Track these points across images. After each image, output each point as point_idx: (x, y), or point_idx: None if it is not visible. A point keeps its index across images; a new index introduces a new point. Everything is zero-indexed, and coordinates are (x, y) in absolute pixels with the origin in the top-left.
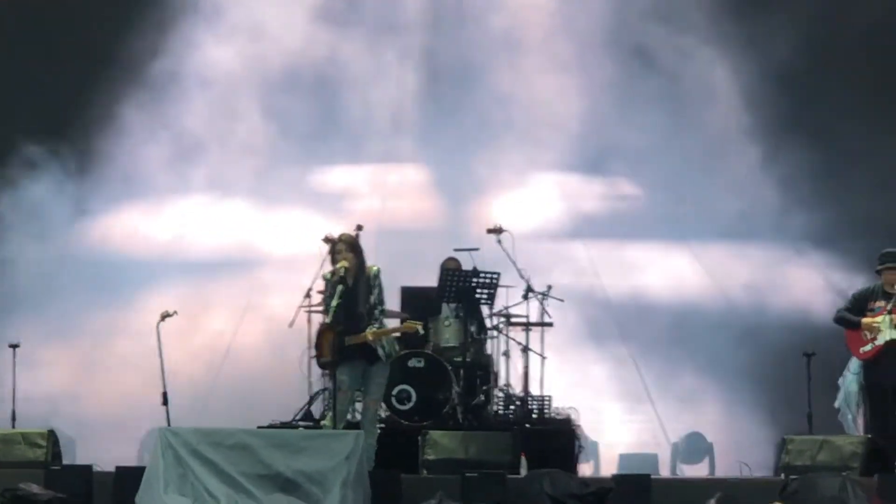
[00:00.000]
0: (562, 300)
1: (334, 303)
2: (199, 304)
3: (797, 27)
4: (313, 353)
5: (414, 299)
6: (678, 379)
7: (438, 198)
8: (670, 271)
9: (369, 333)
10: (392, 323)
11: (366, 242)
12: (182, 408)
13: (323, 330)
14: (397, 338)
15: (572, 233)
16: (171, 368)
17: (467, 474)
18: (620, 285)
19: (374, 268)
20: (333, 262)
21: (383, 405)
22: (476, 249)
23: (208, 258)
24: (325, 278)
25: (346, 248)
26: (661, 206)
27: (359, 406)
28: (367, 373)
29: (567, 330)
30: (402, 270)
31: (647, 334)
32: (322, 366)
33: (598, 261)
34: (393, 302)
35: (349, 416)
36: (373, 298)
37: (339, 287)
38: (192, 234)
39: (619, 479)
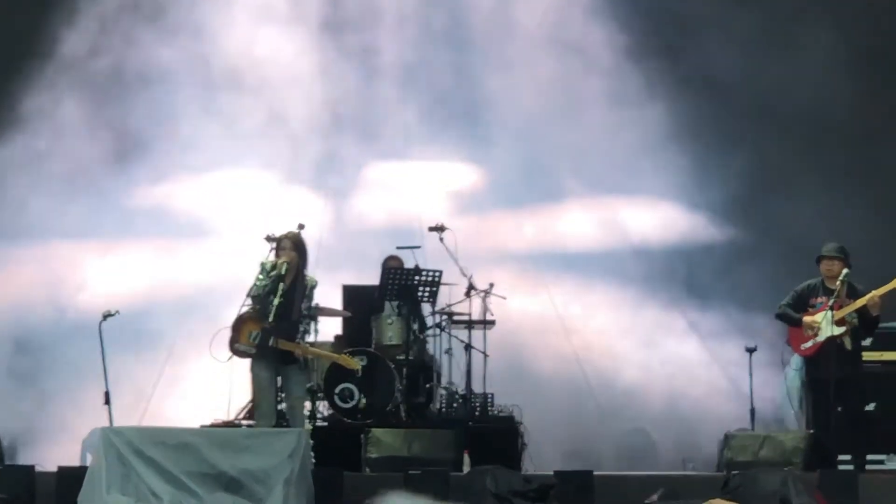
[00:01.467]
0: (504, 298)
1: (276, 301)
2: (141, 304)
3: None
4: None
5: (356, 297)
6: (621, 374)
7: (380, 196)
8: (612, 268)
9: (304, 348)
10: (324, 347)
11: (307, 240)
12: (125, 407)
13: (247, 318)
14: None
15: (515, 232)
16: (113, 368)
17: (410, 472)
18: (563, 282)
19: (313, 279)
20: (277, 256)
21: (326, 403)
22: (418, 247)
23: (150, 257)
24: (262, 266)
25: (290, 245)
26: (604, 203)
27: (281, 406)
28: (284, 372)
29: (509, 327)
30: (343, 268)
31: (590, 330)
32: (234, 351)
33: (540, 259)
34: (335, 300)
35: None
36: (304, 307)
37: (281, 285)
38: (135, 231)
39: (561, 476)
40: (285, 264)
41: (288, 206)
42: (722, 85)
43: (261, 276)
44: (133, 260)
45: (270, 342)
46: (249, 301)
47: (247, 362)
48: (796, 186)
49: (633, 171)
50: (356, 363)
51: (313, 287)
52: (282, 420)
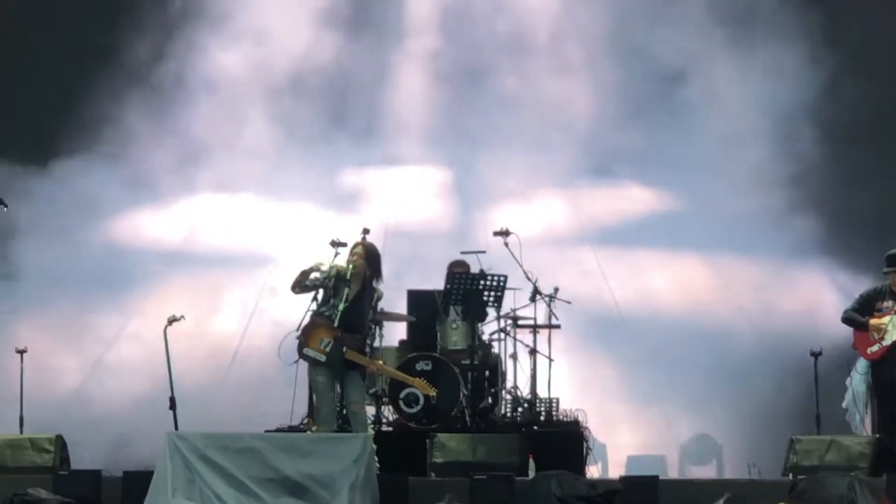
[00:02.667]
0: (569, 302)
1: (341, 306)
2: (207, 308)
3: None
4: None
5: (420, 302)
6: (687, 380)
7: (445, 201)
8: (678, 273)
9: (378, 365)
10: (389, 353)
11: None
12: (190, 412)
13: (319, 324)
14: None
15: (580, 236)
16: (178, 373)
17: (475, 476)
18: (628, 288)
19: (380, 291)
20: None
21: (391, 408)
22: (483, 252)
23: (215, 262)
24: (318, 268)
25: (362, 253)
26: (668, 209)
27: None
28: (343, 377)
29: (575, 332)
30: (408, 273)
31: (655, 336)
32: (303, 356)
33: (605, 264)
34: (399, 305)
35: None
36: (369, 318)
37: (346, 290)
38: (199, 237)
39: (626, 481)
40: (350, 269)
41: (352, 211)
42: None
43: (317, 274)
44: (196, 267)
45: (343, 352)
46: (314, 305)
47: None
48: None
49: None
50: (432, 389)
51: (379, 298)
52: (344, 425)
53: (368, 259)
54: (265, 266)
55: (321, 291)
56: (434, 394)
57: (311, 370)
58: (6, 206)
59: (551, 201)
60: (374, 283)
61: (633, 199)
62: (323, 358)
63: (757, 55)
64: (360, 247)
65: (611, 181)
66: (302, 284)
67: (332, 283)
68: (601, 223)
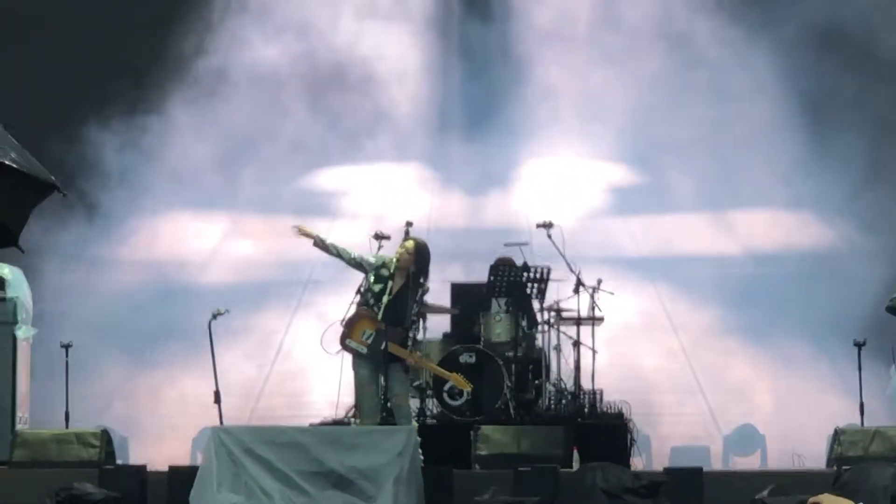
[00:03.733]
0: (612, 293)
1: (385, 299)
2: (251, 303)
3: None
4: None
5: (464, 295)
6: (729, 370)
7: (487, 193)
8: (721, 264)
9: (416, 358)
10: (433, 346)
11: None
12: (234, 407)
13: (363, 316)
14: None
15: (622, 228)
16: (223, 367)
17: (520, 469)
18: (671, 278)
19: (427, 287)
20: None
21: (435, 401)
22: (525, 244)
23: (259, 256)
24: (364, 261)
25: (412, 248)
26: (710, 199)
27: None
28: (386, 370)
29: (618, 324)
30: (452, 266)
31: (698, 327)
32: (345, 347)
33: (647, 254)
34: (443, 297)
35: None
36: (413, 312)
37: (389, 283)
38: (243, 231)
39: (671, 472)
40: (394, 261)
41: (395, 204)
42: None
43: (372, 277)
44: (240, 260)
45: (384, 346)
46: (358, 297)
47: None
48: None
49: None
50: (468, 384)
51: (424, 293)
52: (389, 418)
53: (417, 254)
54: (308, 261)
55: (367, 284)
56: (470, 389)
57: (354, 363)
58: (65, 194)
59: (593, 193)
60: (421, 281)
61: (676, 190)
62: (364, 349)
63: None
64: (411, 242)
65: (653, 172)
66: (323, 245)
67: (375, 275)
68: (645, 215)
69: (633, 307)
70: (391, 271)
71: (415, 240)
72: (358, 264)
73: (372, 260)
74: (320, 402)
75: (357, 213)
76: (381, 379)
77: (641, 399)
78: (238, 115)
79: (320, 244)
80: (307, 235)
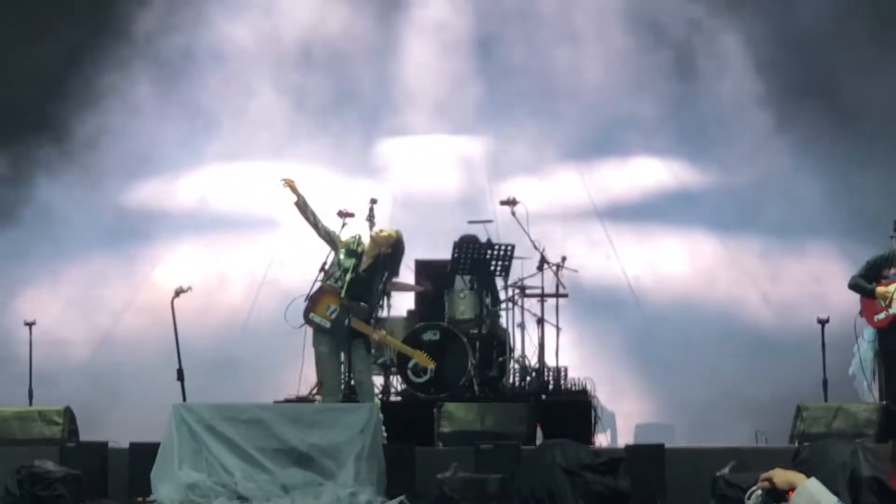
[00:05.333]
0: (576, 271)
1: (349, 276)
2: (215, 280)
3: None
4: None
5: (428, 272)
6: (694, 349)
7: (453, 171)
8: (686, 243)
9: (381, 335)
10: (397, 324)
11: (382, 215)
12: (198, 384)
13: (327, 290)
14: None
15: (588, 206)
16: (186, 344)
17: (481, 446)
18: (637, 258)
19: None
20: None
21: (399, 378)
22: (490, 221)
23: (223, 233)
24: (335, 236)
25: (392, 239)
26: (677, 179)
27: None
28: (349, 346)
29: (583, 302)
30: (416, 243)
31: (663, 306)
32: (308, 321)
33: (614, 233)
34: (407, 274)
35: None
36: (378, 289)
37: (354, 261)
38: (207, 208)
39: (632, 449)
40: (369, 241)
41: (359, 182)
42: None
43: (343, 253)
44: (206, 238)
45: (348, 321)
46: (322, 274)
47: None
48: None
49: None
50: (431, 361)
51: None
52: (352, 395)
53: (395, 247)
54: (274, 235)
55: (334, 259)
56: (434, 366)
57: (315, 339)
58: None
59: (560, 171)
60: (387, 274)
61: (642, 168)
62: (328, 324)
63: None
64: (393, 232)
65: (619, 151)
66: (304, 208)
67: (347, 250)
68: (610, 193)
69: (599, 285)
70: (360, 250)
71: (397, 232)
72: (329, 238)
73: (343, 236)
74: (285, 379)
75: (322, 190)
76: (343, 356)
77: (606, 376)
78: (203, 94)
79: (302, 205)
80: (293, 191)
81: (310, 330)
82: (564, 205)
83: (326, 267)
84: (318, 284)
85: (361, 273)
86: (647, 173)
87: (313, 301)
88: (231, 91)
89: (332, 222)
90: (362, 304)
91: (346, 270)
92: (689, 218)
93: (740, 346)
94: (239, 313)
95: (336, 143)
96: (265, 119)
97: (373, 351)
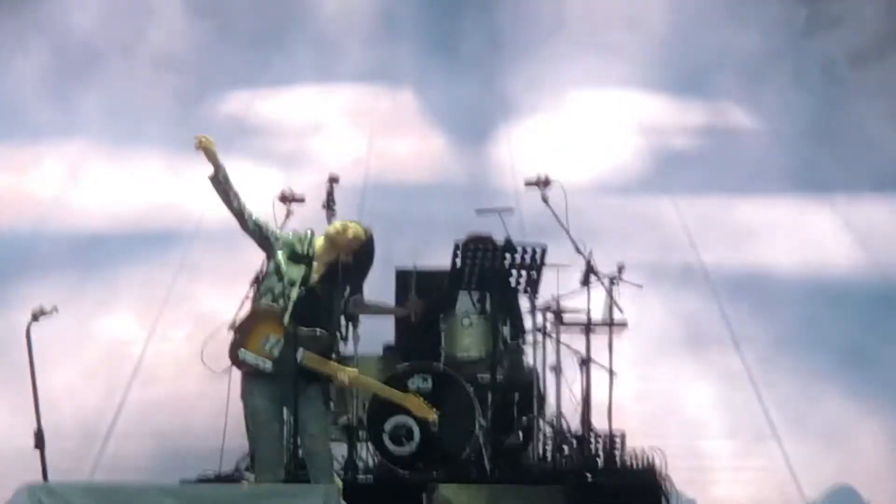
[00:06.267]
0: (640, 286)
1: (295, 292)
2: (94, 298)
3: None
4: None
5: (416, 288)
6: (819, 402)
7: (450, 134)
8: (803, 238)
9: (349, 373)
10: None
11: (346, 201)
12: (68, 453)
13: (265, 315)
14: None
15: (656, 184)
16: (49, 393)
17: None
18: (729, 261)
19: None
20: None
21: (370, 446)
22: (509, 210)
23: (106, 229)
24: (269, 231)
25: (358, 236)
26: (787, 143)
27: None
28: (298, 397)
29: (649, 331)
30: (397, 243)
31: (771, 335)
32: (236, 360)
33: (695, 225)
34: (385, 290)
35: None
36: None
37: (301, 269)
38: (83, 192)
39: None
40: (310, 239)
41: (313, 150)
42: None
43: (282, 256)
44: (80, 228)
45: (299, 357)
46: (254, 289)
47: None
48: None
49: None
50: (432, 412)
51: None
52: (300, 471)
53: (362, 249)
54: (180, 236)
55: (270, 267)
56: (434, 418)
57: (246, 388)
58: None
59: (612, 130)
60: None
61: (730, 124)
62: (268, 365)
63: None
64: (359, 228)
65: (703, 103)
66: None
67: (289, 254)
68: (685, 160)
69: (673, 309)
70: (311, 253)
71: (366, 231)
72: (261, 233)
73: (282, 233)
74: (198, 446)
75: (256, 162)
76: (287, 412)
77: (684, 446)
78: (79, 19)
79: (223, 181)
80: (211, 157)
81: (237, 375)
82: (620, 182)
83: (261, 277)
84: (248, 305)
85: (314, 286)
86: (746, 139)
87: (244, 331)
88: (120, 14)
89: (266, 211)
90: (318, 331)
91: (290, 283)
92: (807, 204)
93: (882, 405)
94: (131, 345)
95: (278, 92)
96: (171, 56)
97: (332, 405)
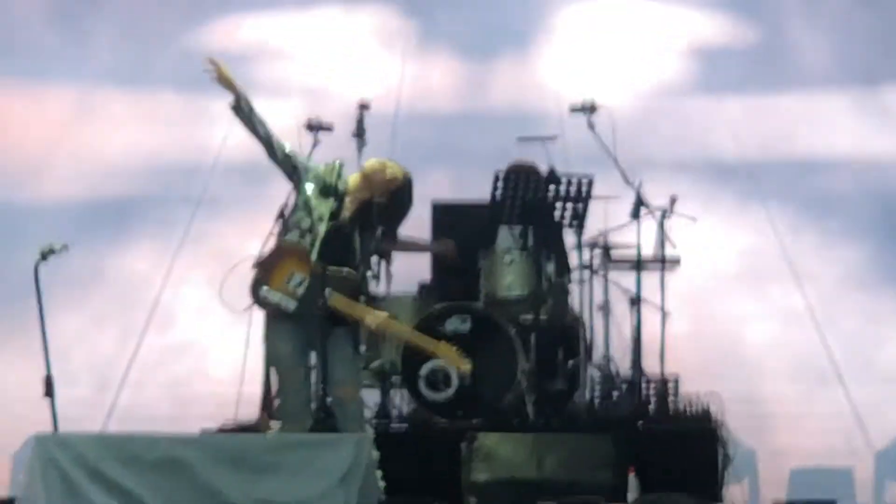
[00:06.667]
0: (694, 219)
1: (323, 227)
2: (107, 232)
3: None
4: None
5: (453, 222)
6: (886, 344)
7: (493, 54)
8: (875, 172)
9: (378, 318)
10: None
11: (377, 129)
12: (80, 402)
13: (290, 252)
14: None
15: (714, 113)
16: (59, 338)
17: None
18: (793, 197)
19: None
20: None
21: (405, 392)
22: (553, 138)
23: (120, 158)
24: (298, 161)
25: (397, 178)
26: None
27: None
28: (324, 341)
29: (704, 268)
30: (433, 174)
31: (834, 271)
32: (260, 299)
33: (755, 157)
34: (420, 225)
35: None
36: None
37: (329, 204)
38: (96, 119)
39: None
40: (339, 170)
41: (341, 73)
42: None
43: (310, 188)
44: (92, 163)
45: (327, 296)
46: (279, 224)
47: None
48: None
49: None
50: (466, 362)
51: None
52: (328, 420)
53: (401, 191)
54: (202, 161)
55: (297, 200)
56: (468, 369)
57: (269, 330)
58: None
59: (667, 57)
60: (382, 232)
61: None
62: (292, 304)
63: None
64: (399, 174)
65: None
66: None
67: (318, 187)
68: (752, 95)
69: (731, 243)
70: (342, 187)
71: (405, 174)
72: (290, 163)
73: (311, 163)
74: (218, 394)
75: (279, 87)
76: (315, 357)
77: (742, 391)
78: None
79: (245, 108)
80: (228, 84)
81: (258, 316)
82: (677, 97)
83: (286, 213)
84: (272, 241)
85: (343, 223)
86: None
87: (266, 268)
88: None
89: (292, 141)
90: (346, 270)
91: (319, 219)
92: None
93: None
94: (147, 286)
95: (300, 11)
96: None
97: (363, 349)
